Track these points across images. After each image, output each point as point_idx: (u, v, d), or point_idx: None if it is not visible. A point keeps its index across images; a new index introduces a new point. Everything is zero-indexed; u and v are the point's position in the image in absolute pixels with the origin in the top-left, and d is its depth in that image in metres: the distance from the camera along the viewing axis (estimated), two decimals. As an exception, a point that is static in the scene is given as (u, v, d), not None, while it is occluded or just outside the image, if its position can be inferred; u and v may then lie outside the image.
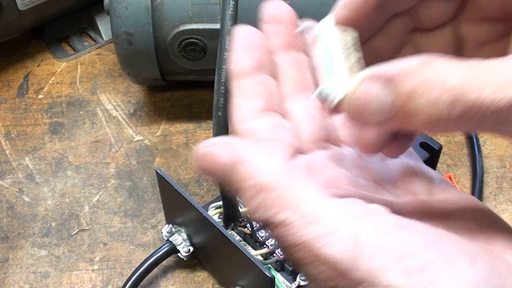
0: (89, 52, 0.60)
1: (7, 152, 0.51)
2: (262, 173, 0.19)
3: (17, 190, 0.48)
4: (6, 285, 0.42)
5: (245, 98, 0.23)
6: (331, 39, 0.22)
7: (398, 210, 0.20)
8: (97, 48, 0.60)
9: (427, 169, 0.24)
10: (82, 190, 0.48)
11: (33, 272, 0.43)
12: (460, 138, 0.51)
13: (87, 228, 0.45)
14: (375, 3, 0.21)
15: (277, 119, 0.23)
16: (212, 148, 0.20)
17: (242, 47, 0.23)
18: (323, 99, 0.21)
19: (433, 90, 0.17)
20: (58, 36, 0.61)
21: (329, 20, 0.22)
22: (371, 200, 0.20)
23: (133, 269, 0.41)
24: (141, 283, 0.41)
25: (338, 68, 0.21)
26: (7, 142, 0.52)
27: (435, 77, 0.17)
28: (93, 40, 0.61)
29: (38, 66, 0.58)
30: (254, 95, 0.23)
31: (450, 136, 0.51)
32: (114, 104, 0.55)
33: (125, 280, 0.40)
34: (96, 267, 0.43)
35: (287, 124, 0.23)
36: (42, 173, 0.49)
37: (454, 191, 0.23)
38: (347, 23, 0.22)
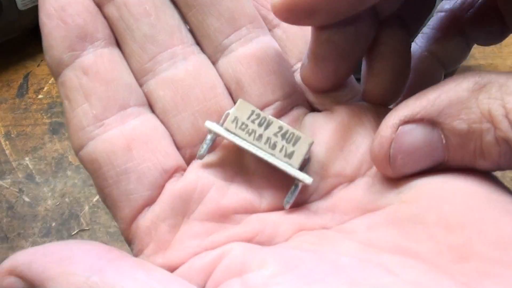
0: (89, 52, 0.60)
1: (7, 152, 0.51)
2: None
3: (17, 190, 0.48)
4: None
5: (76, 103, 0.21)
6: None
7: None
8: (97, 48, 0.60)
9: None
10: (82, 190, 0.48)
11: (33, 272, 0.43)
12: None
13: (87, 228, 0.45)
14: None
15: (132, 124, 0.22)
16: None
17: (51, 15, 0.22)
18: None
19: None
20: (58, 36, 0.60)
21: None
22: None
23: (133, 269, 0.41)
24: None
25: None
26: (7, 142, 0.52)
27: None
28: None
29: (38, 66, 0.58)
30: (86, 95, 0.21)
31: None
32: (114, 104, 0.55)
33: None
34: (96, 267, 0.43)
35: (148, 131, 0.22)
36: (42, 173, 0.49)
37: None
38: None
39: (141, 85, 0.23)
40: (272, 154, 0.22)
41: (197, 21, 0.23)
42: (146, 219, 0.21)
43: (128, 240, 0.22)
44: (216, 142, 0.23)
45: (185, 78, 0.22)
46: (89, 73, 0.21)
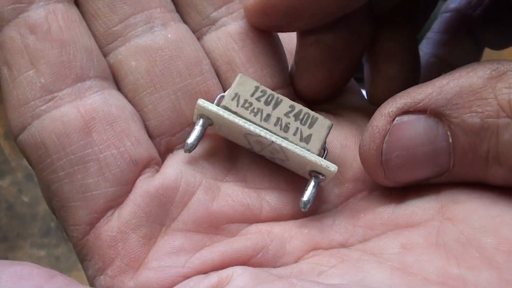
0: (88, 51, 0.60)
1: (6, 152, 0.51)
2: None
3: (16, 190, 0.48)
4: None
5: (19, 69, 0.17)
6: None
7: None
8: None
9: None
10: (81, 190, 0.48)
11: (33, 272, 0.43)
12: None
13: (87, 228, 0.45)
14: None
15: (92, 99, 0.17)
16: None
17: None
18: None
19: None
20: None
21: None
22: None
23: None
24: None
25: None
26: (6, 142, 0.52)
27: None
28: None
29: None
30: (32, 59, 0.17)
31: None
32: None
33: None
34: (95, 267, 0.43)
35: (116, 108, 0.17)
36: (41, 173, 0.49)
37: None
38: None
39: (105, 55, 0.18)
40: (285, 138, 0.17)
41: None
42: (110, 227, 0.16)
43: (82, 255, 0.17)
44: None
45: (164, 47, 0.18)
46: (38, 31, 0.17)
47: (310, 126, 0.18)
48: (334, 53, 0.19)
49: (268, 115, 0.17)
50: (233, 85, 0.17)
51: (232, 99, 0.17)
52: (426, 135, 0.15)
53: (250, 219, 0.17)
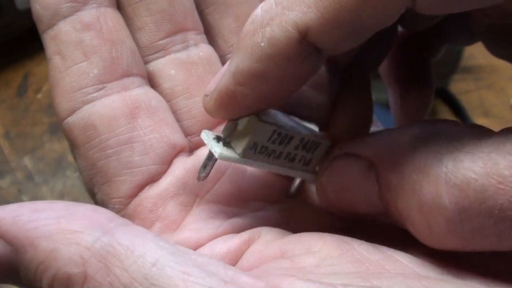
0: (88, 51, 0.60)
1: (5, 152, 0.51)
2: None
3: (16, 190, 0.48)
4: (5, 286, 0.42)
5: (73, 60, 0.19)
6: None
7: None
8: (96, 48, 0.60)
9: None
10: (81, 190, 0.48)
11: (32, 272, 0.43)
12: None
13: (87, 228, 0.45)
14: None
15: (136, 93, 0.19)
16: None
17: None
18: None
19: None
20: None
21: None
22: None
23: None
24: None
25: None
26: (6, 142, 0.52)
27: None
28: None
29: (37, 66, 0.58)
30: (86, 52, 0.19)
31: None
32: (113, 104, 0.55)
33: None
34: (95, 267, 0.43)
35: (155, 101, 0.20)
36: (41, 173, 0.49)
37: None
38: None
39: (146, 63, 0.21)
40: (290, 168, 0.19)
41: (212, 19, 0.22)
42: (151, 194, 0.19)
43: None
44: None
45: (198, 63, 0.21)
46: (92, 29, 0.19)
47: (313, 151, 0.19)
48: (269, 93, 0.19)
49: (280, 153, 0.19)
50: (252, 133, 0.17)
51: (251, 148, 0.18)
52: (358, 179, 0.17)
53: (274, 198, 0.20)
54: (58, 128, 0.53)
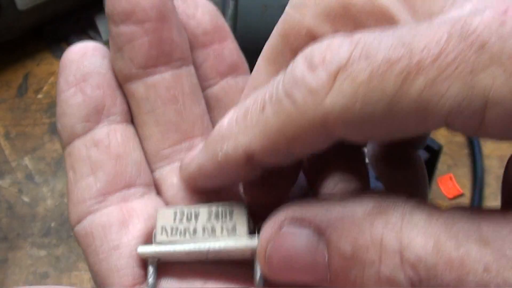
0: (89, 52, 0.60)
1: (6, 152, 0.51)
2: None
3: (16, 190, 0.48)
4: (5, 285, 0.42)
5: (81, 175, 0.21)
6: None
7: None
8: (96, 48, 0.60)
9: None
10: (81, 190, 0.48)
11: (33, 272, 0.43)
12: (460, 138, 0.51)
13: (87, 228, 0.45)
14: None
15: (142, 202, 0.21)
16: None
17: (70, 82, 0.21)
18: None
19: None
20: (58, 36, 0.60)
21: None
22: None
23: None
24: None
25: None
26: (6, 142, 0.52)
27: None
28: (93, 40, 0.61)
29: (37, 66, 0.58)
30: (92, 167, 0.21)
31: (451, 136, 0.51)
32: (113, 104, 0.55)
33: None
34: (95, 267, 0.43)
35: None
36: (42, 173, 0.49)
37: None
38: None
39: (152, 170, 0.22)
40: (216, 240, 0.19)
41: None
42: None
43: None
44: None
45: None
46: (100, 145, 0.21)
47: (230, 218, 0.20)
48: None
49: (194, 229, 0.20)
50: (156, 222, 0.20)
51: (161, 234, 0.20)
52: (307, 248, 0.17)
53: None
54: (58, 128, 0.53)
